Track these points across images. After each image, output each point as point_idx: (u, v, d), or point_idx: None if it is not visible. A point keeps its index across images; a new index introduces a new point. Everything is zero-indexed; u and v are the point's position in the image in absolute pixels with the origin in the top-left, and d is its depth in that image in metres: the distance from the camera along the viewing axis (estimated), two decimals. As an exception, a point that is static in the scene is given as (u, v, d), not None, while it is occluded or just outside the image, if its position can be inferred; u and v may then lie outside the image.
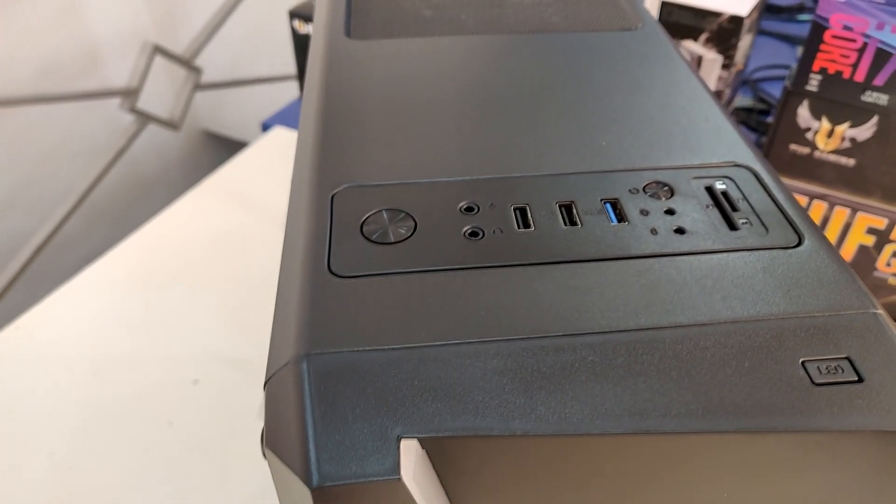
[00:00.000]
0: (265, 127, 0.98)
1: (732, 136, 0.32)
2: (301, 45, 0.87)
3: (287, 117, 1.00)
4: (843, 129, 0.68)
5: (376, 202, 0.28)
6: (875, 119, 0.67)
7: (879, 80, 0.66)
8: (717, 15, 0.69)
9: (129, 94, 1.27)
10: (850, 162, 0.69)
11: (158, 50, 1.26)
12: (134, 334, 0.69)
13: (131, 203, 1.58)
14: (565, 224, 0.27)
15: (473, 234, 0.27)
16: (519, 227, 0.27)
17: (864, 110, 0.67)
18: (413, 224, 0.27)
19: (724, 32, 0.69)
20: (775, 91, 0.92)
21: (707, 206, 0.28)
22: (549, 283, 0.25)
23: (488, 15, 0.42)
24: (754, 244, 0.27)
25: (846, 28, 0.64)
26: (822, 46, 0.66)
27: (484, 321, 0.24)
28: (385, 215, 0.28)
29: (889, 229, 0.70)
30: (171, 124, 1.33)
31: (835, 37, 0.65)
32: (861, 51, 0.65)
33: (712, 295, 0.25)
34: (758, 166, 0.30)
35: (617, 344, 0.23)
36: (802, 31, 1.08)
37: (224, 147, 1.71)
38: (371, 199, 0.28)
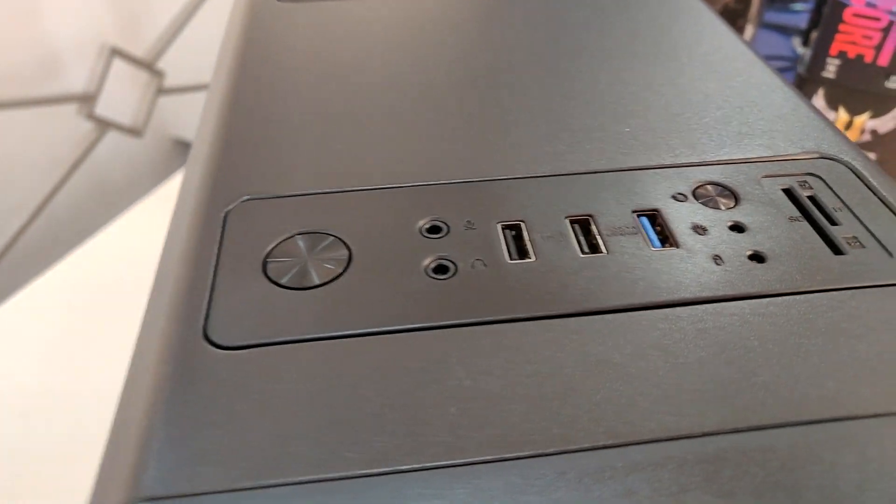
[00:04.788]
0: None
1: (810, 117, 0.22)
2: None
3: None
4: (864, 119, 0.59)
5: (291, 222, 0.18)
6: (899, 108, 0.58)
7: (905, 64, 0.56)
8: (721, -6, 0.59)
9: (86, 100, 1.15)
10: (871, 157, 0.60)
11: (116, 52, 1.15)
12: (71, 367, 0.58)
13: (97, 215, 1.47)
14: (582, 251, 0.17)
15: (440, 269, 0.17)
16: (511, 258, 0.17)
17: (887, 98, 0.58)
18: (346, 255, 0.17)
19: (731, 13, 0.59)
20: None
21: (792, 219, 0.18)
22: (560, 353, 0.15)
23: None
24: (879, 277, 0.17)
25: (869, 5, 0.55)
26: (842, 27, 0.56)
27: (459, 427, 0.13)
28: (302, 243, 0.17)
29: (912, 231, 0.61)
30: (134, 131, 1.22)
31: (856, 15, 0.56)
32: (886, 30, 0.56)
33: (825, 364, 0.15)
34: (853, 158, 0.20)
35: (683, 461, 0.13)
36: (797, 20, 0.99)
37: (195, 155, 1.60)
38: (283, 218, 0.18)
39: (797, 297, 0.16)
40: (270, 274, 0.17)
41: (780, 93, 0.23)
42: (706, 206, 0.18)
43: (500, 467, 0.13)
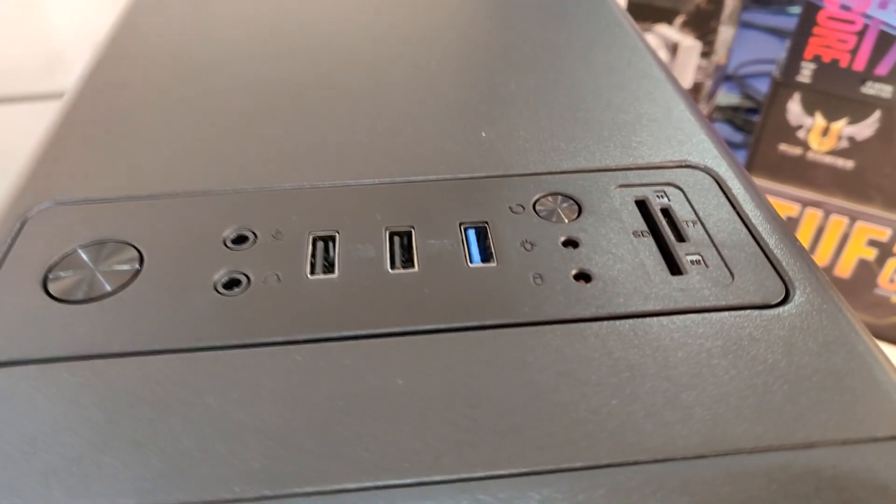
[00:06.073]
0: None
1: (689, 124, 0.20)
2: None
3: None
4: (840, 126, 0.57)
5: (89, 230, 0.16)
6: (877, 114, 0.55)
7: (882, 69, 0.54)
8: (693, -6, 0.57)
9: (82, 97, 1.15)
10: (849, 164, 0.58)
11: (112, 50, 1.14)
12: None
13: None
14: (392, 266, 0.16)
15: (231, 283, 0.15)
16: (312, 273, 0.16)
17: (864, 104, 0.55)
18: (136, 267, 0.16)
19: (703, 14, 0.57)
20: (763, 87, 0.80)
21: (636, 234, 0.16)
22: (327, 381, 0.13)
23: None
24: (710, 301, 0.15)
25: (844, 7, 0.53)
26: (816, 30, 0.54)
27: (183, 466, 0.12)
28: (92, 254, 0.16)
29: (892, 241, 0.58)
30: (129, 129, 1.21)
31: (830, 18, 0.53)
32: (861, 34, 0.53)
33: (633, 402, 0.13)
34: (722, 168, 0.18)
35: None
36: (793, 24, 0.96)
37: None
38: (82, 225, 0.17)
39: (615, 322, 0.14)
40: (49, 286, 0.15)
41: (665, 98, 0.21)
42: (544, 218, 0.17)
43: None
